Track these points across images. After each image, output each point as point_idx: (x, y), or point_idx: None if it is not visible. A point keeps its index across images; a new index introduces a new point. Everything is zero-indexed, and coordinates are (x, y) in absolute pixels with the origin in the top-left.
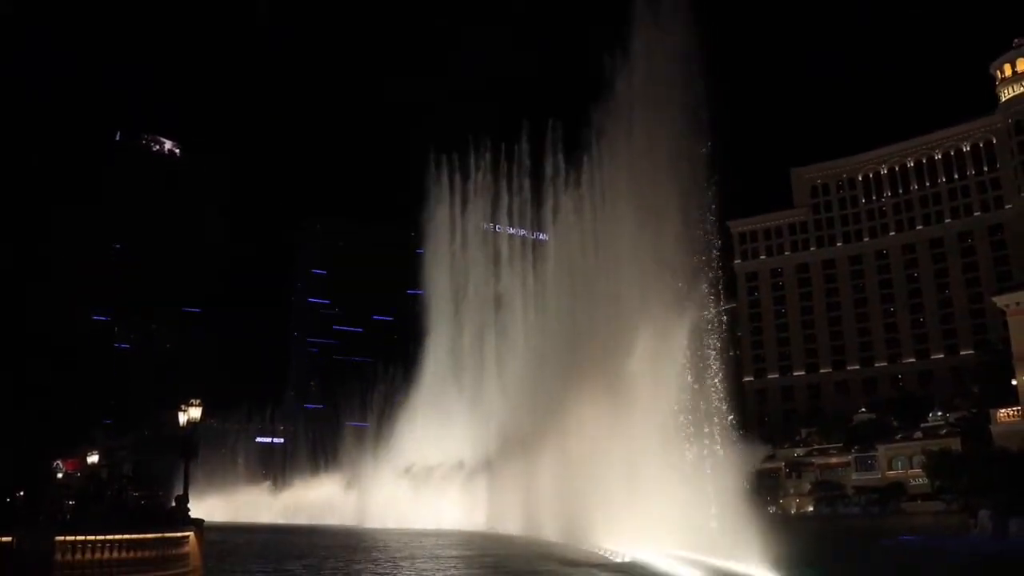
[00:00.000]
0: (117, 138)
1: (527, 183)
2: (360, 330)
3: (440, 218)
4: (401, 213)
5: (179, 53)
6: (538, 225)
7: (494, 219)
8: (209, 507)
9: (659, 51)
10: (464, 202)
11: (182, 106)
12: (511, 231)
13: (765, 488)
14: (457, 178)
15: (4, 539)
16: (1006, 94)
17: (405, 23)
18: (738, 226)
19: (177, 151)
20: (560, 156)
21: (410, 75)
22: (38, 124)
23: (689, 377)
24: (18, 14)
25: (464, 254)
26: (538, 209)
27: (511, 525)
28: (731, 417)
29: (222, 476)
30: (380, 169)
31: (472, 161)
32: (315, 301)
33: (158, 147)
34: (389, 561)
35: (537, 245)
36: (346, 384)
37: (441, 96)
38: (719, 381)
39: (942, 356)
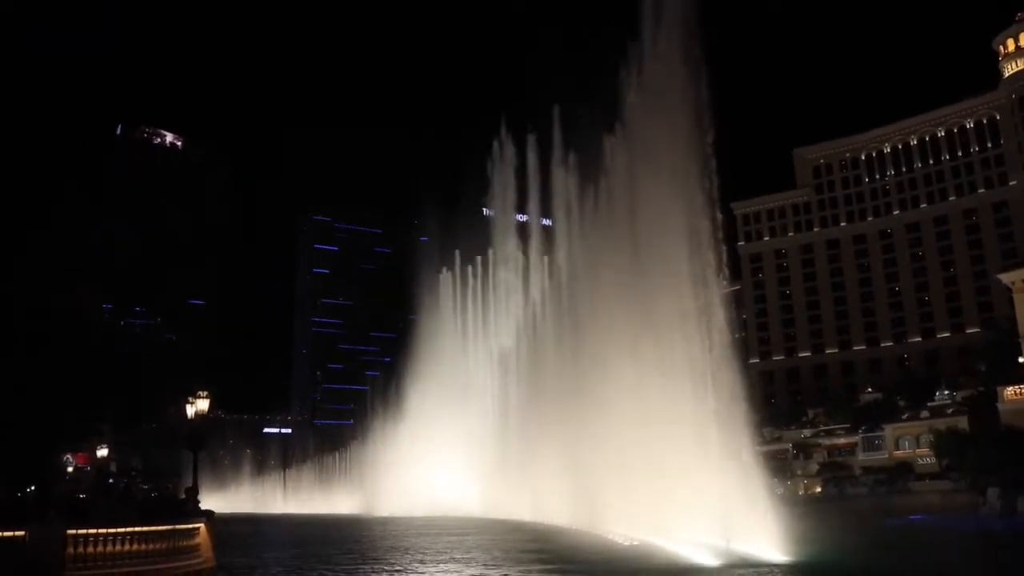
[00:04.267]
0: (118, 132)
1: (534, 172)
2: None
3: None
4: (406, 201)
5: (178, 44)
6: (542, 211)
7: (493, 205)
8: (218, 498)
9: (660, 37)
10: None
11: (183, 97)
12: (519, 217)
13: (772, 470)
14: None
15: (16, 533)
16: (1009, 69)
17: (414, 15)
18: (741, 208)
19: (179, 143)
20: (564, 151)
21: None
22: (40, 117)
23: (698, 360)
24: (18, 7)
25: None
26: (543, 196)
27: (517, 510)
28: (740, 398)
29: (232, 467)
30: (384, 157)
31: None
32: (320, 278)
33: (159, 140)
34: (393, 549)
35: (545, 229)
36: (352, 370)
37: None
38: (727, 362)
39: (948, 335)
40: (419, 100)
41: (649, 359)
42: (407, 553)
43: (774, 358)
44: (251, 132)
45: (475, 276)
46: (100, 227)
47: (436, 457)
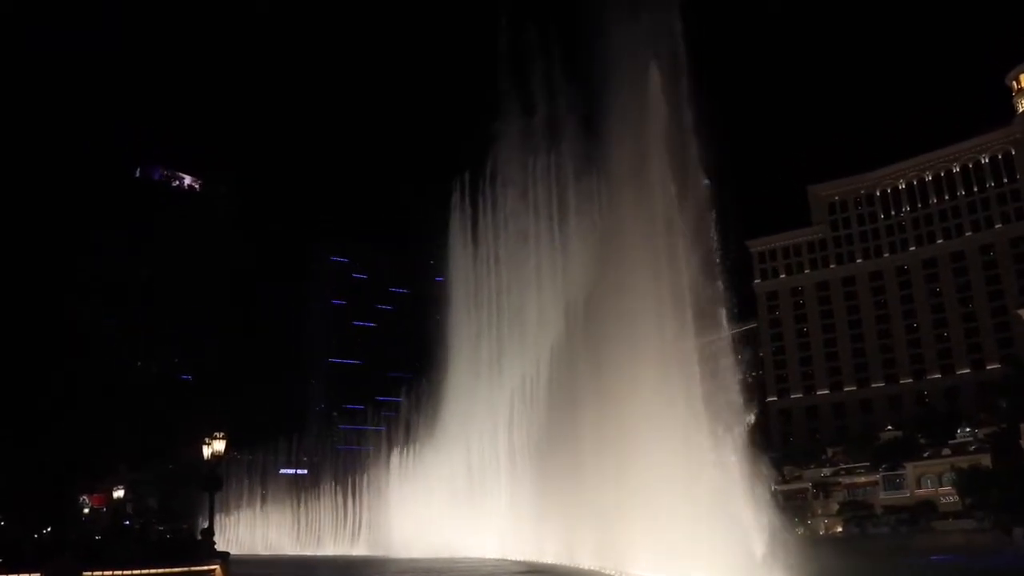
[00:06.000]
0: (136, 175)
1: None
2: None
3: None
4: (422, 239)
5: (193, 83)
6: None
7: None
8: (234, 539)
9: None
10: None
11: (199, 139)
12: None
13: (792, 509)
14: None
15: (32, 575)
16: (1023, 105)
17: (425, 49)
18: (756, 245)
19: (197, 186)
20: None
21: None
22: (55, 162)
23: (711, 398)
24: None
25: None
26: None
27: (535, 551)
28: (755, 437)
29: (247, 508)
30: (399, 194)
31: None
32: (337, 319)
33: (177, 182)
34: None
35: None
36: (368, 411)
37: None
38: (743, 401)
39: (968, 371)
40: (435, 143)
41: (678, 397)
42: None
43: (792, 396)
44: (266, 171)
45: (488, 313)
46: (118, 269)
47: (453, 498)
